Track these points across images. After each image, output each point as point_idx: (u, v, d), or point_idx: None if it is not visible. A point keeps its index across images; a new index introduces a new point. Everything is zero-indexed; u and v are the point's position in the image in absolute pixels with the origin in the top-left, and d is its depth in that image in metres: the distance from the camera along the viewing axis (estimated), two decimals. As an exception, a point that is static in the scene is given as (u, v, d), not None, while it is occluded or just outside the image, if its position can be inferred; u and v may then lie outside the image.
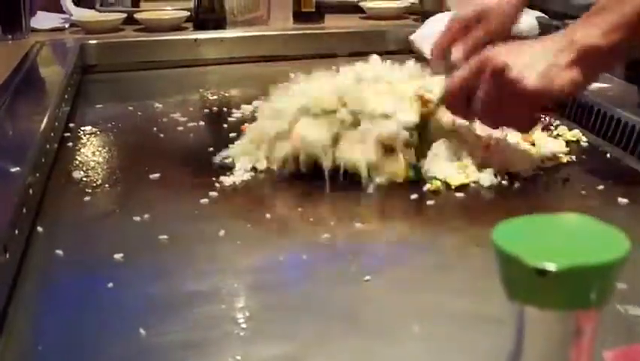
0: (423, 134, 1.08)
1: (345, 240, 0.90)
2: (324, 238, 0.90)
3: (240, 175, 1.07)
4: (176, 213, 0.98)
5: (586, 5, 1.65)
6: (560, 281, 0.31)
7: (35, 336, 0.71)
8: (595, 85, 1.32)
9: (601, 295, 0.32)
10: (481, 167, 1.06)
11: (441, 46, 1.19)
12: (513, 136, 1.18)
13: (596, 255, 0.31)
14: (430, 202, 0.99)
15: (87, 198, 1.02)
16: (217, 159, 1.12)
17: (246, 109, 1.39)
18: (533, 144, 1.16)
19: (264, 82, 1.59)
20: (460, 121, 1.08)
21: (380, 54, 1.87)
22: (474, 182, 1.04)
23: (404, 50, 1.89)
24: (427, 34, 1.82)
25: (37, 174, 1.00)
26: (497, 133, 1.11)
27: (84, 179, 1.08)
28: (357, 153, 1.04)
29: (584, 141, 1.21)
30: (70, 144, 1.24)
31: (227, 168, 1.09)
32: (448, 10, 1.96)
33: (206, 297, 0.77)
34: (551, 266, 0.31)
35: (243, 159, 1.10)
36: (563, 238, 0.33)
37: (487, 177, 1.04)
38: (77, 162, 1.15)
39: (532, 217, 0.35)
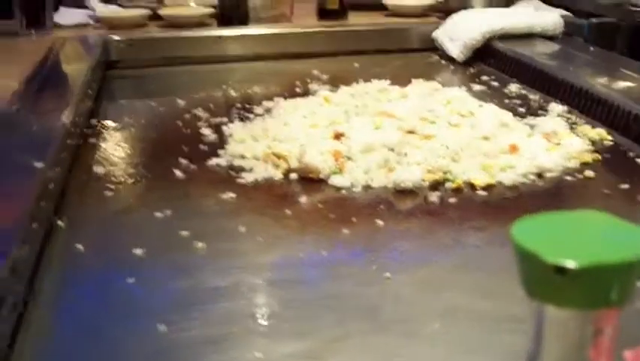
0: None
1: (366, 237, 0.90)
2: (345, 235, 0.89)
3: (261, 172, 1.07)
4: (198, 210, 0.98)
5: (612, 5, 1.65)
6: (579, 280, 0.30)
7: (54, 331, 0.71)
8: (619, 83, 1.32)
9: (621, 295, 0.31)
10: (505, 167, 1.06)
11: None
12: (538, 136, 1.18)
13: (617, 253, 0.31)
14: (451, 200, 0.99)
15: (108, 194, 1.02)
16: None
17: (268, 106, 1.39)
18: (558, 143, 1.15)
19: (287, 79, 1.61)
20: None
21: (403, 52, 1.89)
22: (497, 182, 1.03)
23: (427, 48, 1.89)
24: (451, 32, 1.81)
25: (58, 169, 1.00)
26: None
27: (106, 174, 1.08)
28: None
29: (608, 140, 1.20)
30: (93, 139, 1.24)
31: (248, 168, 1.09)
32: (472, 7, 1.95)
33: (226, 293, 0.77)
34: (571, 264, 0.30)
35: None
36: (583, 235, 0.33)
37: (510, 177, 1.04)
38: (99, 158, 1.15)
39: (552, 214, 0.34)
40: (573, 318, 0.32)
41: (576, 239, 0.32)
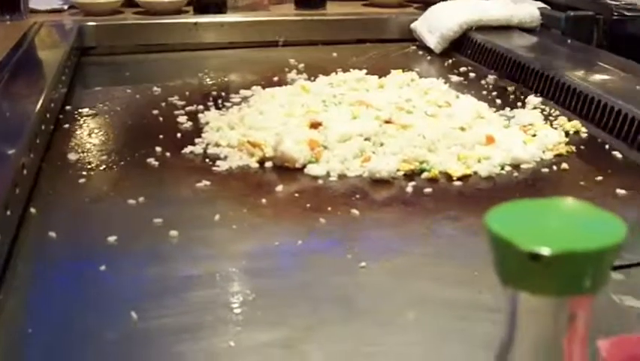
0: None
1: (341, 226, 0.90)
2: (321, 224, 0.89)
3: (236, 160, 1.07)
4: (172, 197, 0.98)
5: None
6: (553, 266, 0.30)
7: (26, 319, 0.70)
8: (595, 76, 1.32)
9: (595, 281, 0.31)
10: (481, 158, 1.06)
11: None
12: (514, 128, 1.18)
13: (591, 240, 0.30)
14: (427, 190, 0.99)
15: (82, 181, 1.01)
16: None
17: (245, 94, 1.39)
18: (534, 135, 1.16)
19: (264, 68, 1.60)
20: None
21: (381, 42, 1.89)
22: (473, 172, 1.04)
23: (406, 38, 1.89)
24: (429, 23, 1.81)
25: (32, 155, 1.00)
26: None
27: (79, 161, 1.08)
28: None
29: (583, 132, 1.20)
30: (67, 125, 1.23)
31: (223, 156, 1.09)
32: (450, -2, 1.95)
33: (199, 282, 0.76)
34: (545, 251, 0.30)
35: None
36: (557, 222, 0.32)
37: (486, 168, 1.04)
38: (73, 144, 1.14)
39: (526, 202, 0.34)
40: (547, 305, 0.32)
41: (550, 226, 0.32)
